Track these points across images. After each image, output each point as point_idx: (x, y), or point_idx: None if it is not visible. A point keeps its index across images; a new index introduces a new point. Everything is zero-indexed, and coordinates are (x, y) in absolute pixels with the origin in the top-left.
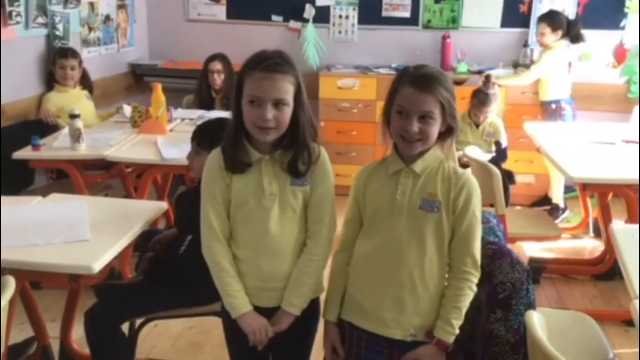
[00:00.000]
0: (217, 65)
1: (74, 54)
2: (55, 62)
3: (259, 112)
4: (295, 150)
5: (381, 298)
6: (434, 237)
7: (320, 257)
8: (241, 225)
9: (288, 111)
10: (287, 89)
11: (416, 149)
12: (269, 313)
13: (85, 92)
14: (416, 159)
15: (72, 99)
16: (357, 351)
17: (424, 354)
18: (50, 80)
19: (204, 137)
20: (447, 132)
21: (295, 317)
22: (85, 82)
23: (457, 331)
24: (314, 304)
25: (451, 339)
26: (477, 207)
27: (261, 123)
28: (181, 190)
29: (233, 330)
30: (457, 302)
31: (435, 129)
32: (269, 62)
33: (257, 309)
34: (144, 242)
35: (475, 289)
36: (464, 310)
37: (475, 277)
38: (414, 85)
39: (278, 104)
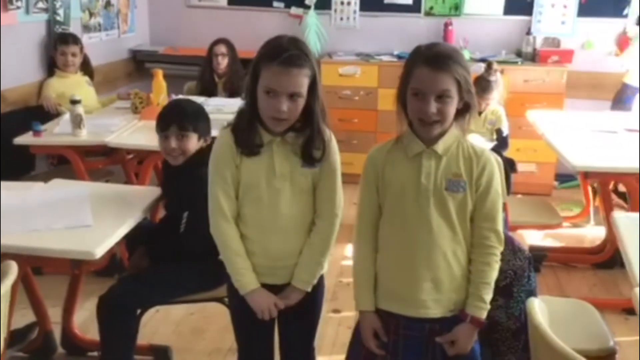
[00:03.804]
0: (221, 49)
1: (75, 40)
2: (57, 48)
3: (274, 104)
4: (308, 136)
5: (418, 282)
6: (459, 216)
7: (330, 236)
8: (250, 206)
9: (302, 102)
10: (302, 83)
11: (435, 130)
12: (279, 290)
13: (86, 78)
14: (436, 140)
15: (73, 85)
16: (395, 338)
17: (460, 333)
18: (51, 66)
19: (184, 119)
20: (464, 109)
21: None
22: (86, 68)
23: (489, 306)
24: (319, 279)
25: (484, 315)
26: (498, 183)
27: (276, 114)
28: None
29: (239, 309)
30: (486, 278)
31: (452, 108)
32: (287, 55)
33: (268, 287)
34: (132, 236)
35: (499, 262)
36: (493, 284)
37: (499, 251)
38: (428, 65)
39: (293, 96)
